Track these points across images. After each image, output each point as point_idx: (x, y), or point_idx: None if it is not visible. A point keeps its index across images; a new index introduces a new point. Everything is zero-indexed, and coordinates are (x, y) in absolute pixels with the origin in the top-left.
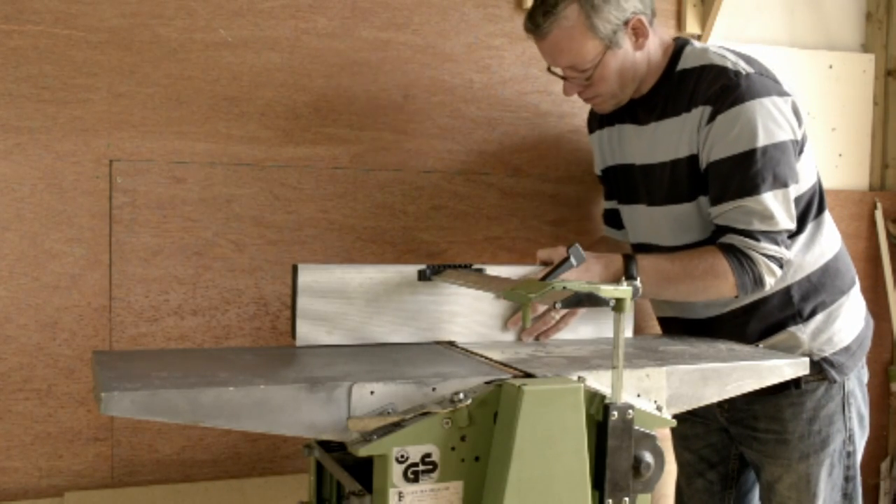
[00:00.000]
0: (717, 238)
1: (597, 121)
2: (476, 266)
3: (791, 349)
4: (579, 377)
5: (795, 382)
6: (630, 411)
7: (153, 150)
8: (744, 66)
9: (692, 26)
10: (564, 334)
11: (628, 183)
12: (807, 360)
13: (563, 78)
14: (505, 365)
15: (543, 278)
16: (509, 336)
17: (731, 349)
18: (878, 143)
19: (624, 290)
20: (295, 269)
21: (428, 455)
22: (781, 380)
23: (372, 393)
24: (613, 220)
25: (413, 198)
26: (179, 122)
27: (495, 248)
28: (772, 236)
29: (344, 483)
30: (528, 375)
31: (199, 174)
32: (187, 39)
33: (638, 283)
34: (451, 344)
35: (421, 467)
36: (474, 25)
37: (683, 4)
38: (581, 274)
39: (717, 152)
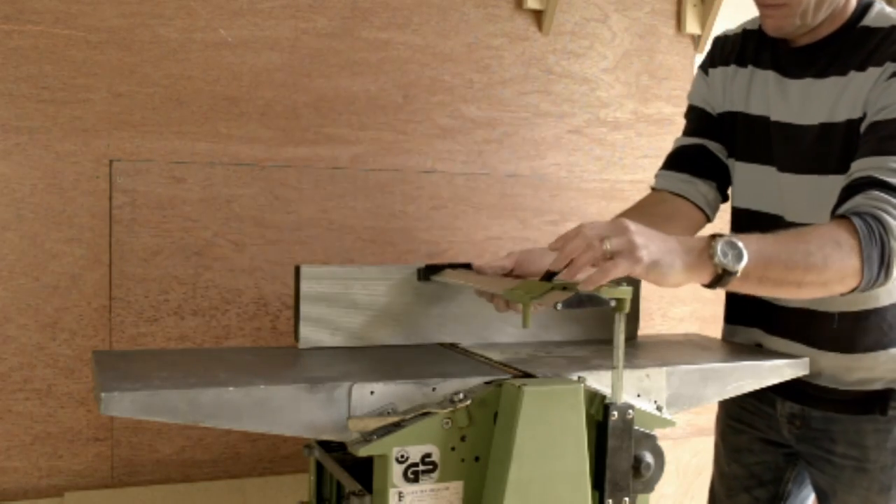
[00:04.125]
0: (844, 197)
1: (722, 56)
2: (477, 265)
3: (889, 371)
4: (579, 377)
5: (882, 408)
6: (630, 411)
7: (153, 150)
8: None
9: (692, 26)
10: (566, 334)
11: (756, 138)
12: (807, 360)
13: None
14: (505, 365)
15: (543, 278)
16: (511, 337)
17: (731, 350)
18: None
19: (624, 290)
20: (297, 271)
21: (428, 455)
22: (781, 380)
23: (372, 393)
24: (687, 160)
25: (413, 198)
26: (179, 122)
27: (495, 248)
28: None
29: (344, 483)
30: (528, 375)
31: (199, 174)
32: (187, 39)
33: (744, 251)
34: (453, 345)
35: (421, 467)
36: (474, 25)
37: (683, 4)
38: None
39: (888, 112)
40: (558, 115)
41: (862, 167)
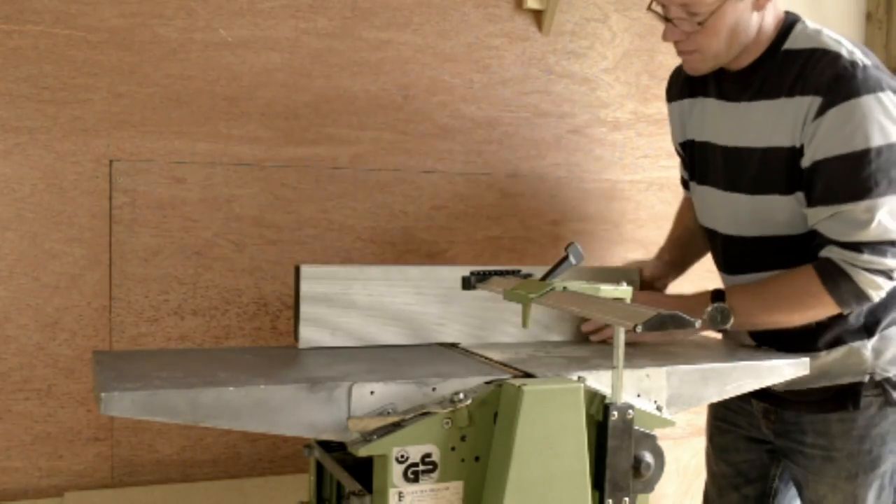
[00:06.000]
0: (815, 248)
1: (677, 89)
2: (524, 272)
3: (854, 365)
4: (579, 377)
5: (854, 402)
6: (630, 411)
7: (153, 150)
8: (860, 57)
9: None
10: (566, 334)
11: (704, 162)
12: (807, 360)
13: (667, 20)
14: (505, 365)
15: (544, 278)
16: (510, 337)
17: (731, 350)
18: None
19: (624, 290)
20: (297, 271)
21: (428, 455)
22: (781, 380)
23: (372, 393)
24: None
25: (413, 198)
26: (179, 122)
27: (495, 248)
28: (879, 248)
29: (344, 483)
30: (528, 375)
31: (199, 174)
32: (187, 39)
33: (730, 316)
34: (453, 345)
35: (421, 467)
36: (474, 25)
37: None
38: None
39: (824, 150)
40: (558, 115)
41: (820, 217)
